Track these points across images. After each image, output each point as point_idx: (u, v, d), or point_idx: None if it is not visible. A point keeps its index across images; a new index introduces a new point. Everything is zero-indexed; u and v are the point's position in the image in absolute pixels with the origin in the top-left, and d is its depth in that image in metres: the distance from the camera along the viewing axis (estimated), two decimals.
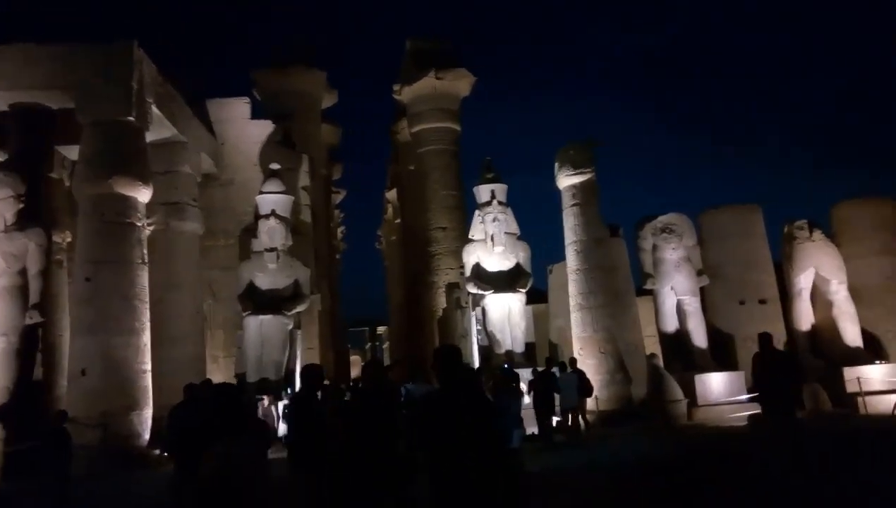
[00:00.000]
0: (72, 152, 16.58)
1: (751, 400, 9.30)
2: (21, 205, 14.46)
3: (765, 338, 9.00)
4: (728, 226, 18.22)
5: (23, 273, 14.30)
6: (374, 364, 6.82)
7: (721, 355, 17.01)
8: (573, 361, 14.60)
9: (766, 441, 9.05)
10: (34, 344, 14.47)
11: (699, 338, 16.85)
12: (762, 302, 17.62)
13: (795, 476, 8.18)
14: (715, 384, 15.89)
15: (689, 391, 15.53)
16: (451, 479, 3.50)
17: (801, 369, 9.05)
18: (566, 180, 17.22)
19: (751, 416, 13.30)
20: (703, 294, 17.52)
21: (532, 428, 13.51)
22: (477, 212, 18.34)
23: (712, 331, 17.26)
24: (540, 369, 14.28)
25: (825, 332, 16.85)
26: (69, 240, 16.96)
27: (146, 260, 15.27)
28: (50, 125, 16.28)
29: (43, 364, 14.81)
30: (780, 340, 16.88)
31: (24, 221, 14.46)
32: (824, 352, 16.59)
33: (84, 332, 14.14)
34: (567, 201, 17.29)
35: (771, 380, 8.52)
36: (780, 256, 18.05)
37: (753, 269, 17.84)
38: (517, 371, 14.41)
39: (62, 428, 9.85)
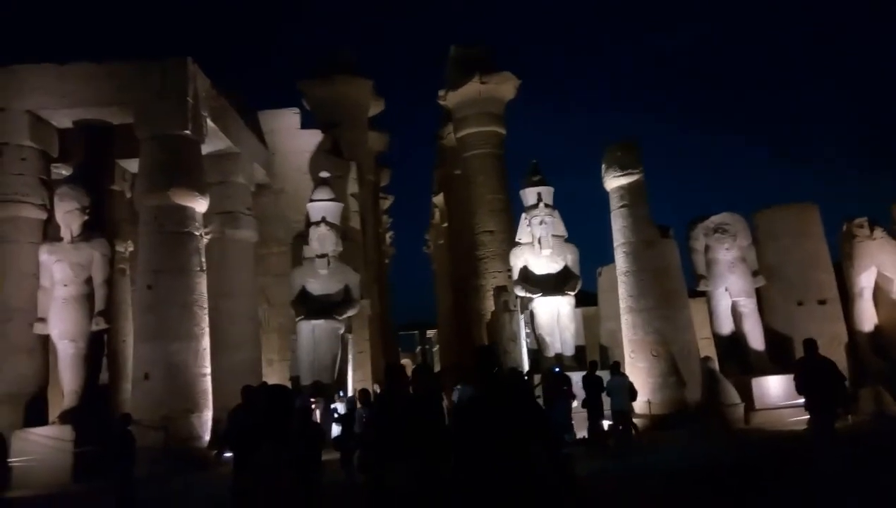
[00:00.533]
0: (132, 165, 17.30)
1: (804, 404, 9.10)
2: (86, 217, 15.09)
3: (809, 344, 8.84)
4: (784, 225, 17.67)
5: (89, 282, 14.93)
6: (422, 368, 6.95)
7: (779, 357, 16.51)
8: (616, 365, 14.42)
9: (814, 447, 8.87)
10: (100, 349, 15.09)
11: (756, 340, 16.42)
12: (822, 302, 17.02)
13: (848, 479, 7.95)
14: (773, 387, 15.44)
15: (746, 394, 15.16)
16: (487, 482, 3.34)
17: (841, 374, 8.88)
18: (614, 182, 17.00)
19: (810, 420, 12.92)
20: (760, 295, 17.04)
21: (581, 432, 13.43)
22: (524, 215, 18.30)
23: (770, 333, 16.77)
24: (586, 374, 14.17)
25: (888, 333, 16.21)
26: (131, 249, 17.71)
27: (204, 268, 15.79)
28: (111, 140, 17.03)
29: (108, 368, 15.43)
30: (841, 341, 16.36)
31: (89, 232, 15.08)
32: (888, 353, 15.97)
33: (147, 338, 14.72)
34: (615, 203, 17.07)
35: (812, 385, 8.39)
36: (839, 255, 17.45)
37: (812, 269, 17.26)
38: (568, 374, 14.36)
39: (127, 431, 10.26)
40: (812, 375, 8.53)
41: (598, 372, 14.01)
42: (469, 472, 3.36)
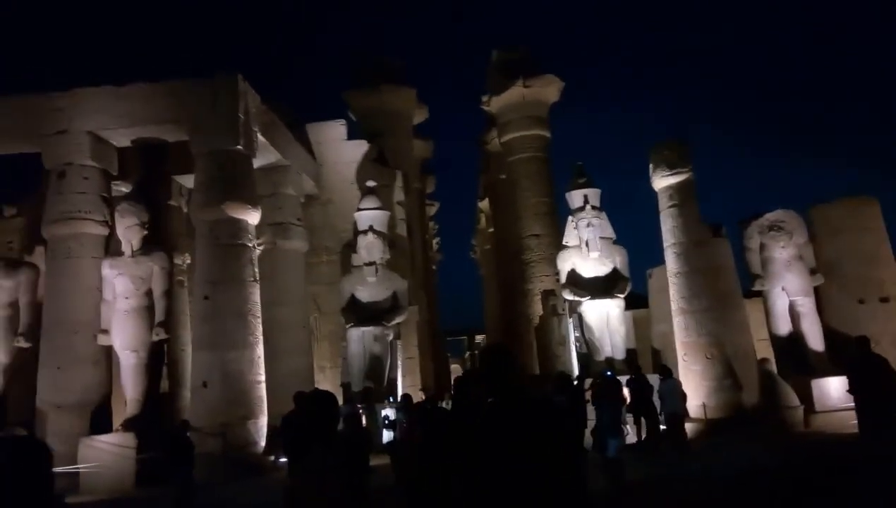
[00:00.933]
0: (187, 181, 17.89)
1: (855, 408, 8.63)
2: (145, 232, 15.68)
3: (862, 342, 8.46)
4: (843, 220, 17.05)
5: (149, 294, 15.48)
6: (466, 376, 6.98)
7: (840, 358, 15.90)
8: (665, 369, 14.17)
9: (865, 451, 8.49)
10: (160, 358, 15.63)
11: (815, 340, 15.89)
12: (884, 300, 16.35)
13: None
14: (834, 388, 14.88)
15: (806, 396, 14.68)
16: (503, 488, 3.16)
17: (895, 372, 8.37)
18: (662, 181, 16.73)
19: None
20: (818, 294, 16.48)
21: (631, 437, 13.24)
22: (570, 218, 18.15)
23: (829, 333, 16.19)
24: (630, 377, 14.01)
25: None
26: (188, 261, 18.32)
27: (257, 278, 16.21)
28: (166, 157, 17.68)
29: (168, 377, 15.96)
30: None
31: (148, 246, 15.67)
32: None
33: (204, 347, 15.17)
34: (664, 203, 16.79)
35: (864, 385, 8.02)
36: None
37: (873, 266, 16.60)
38: (619, 378, 14.18)
39: (186, 437, 10.61)
40: (865, 375, 8.18)
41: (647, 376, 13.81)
42: (486, 479, 3.30)
